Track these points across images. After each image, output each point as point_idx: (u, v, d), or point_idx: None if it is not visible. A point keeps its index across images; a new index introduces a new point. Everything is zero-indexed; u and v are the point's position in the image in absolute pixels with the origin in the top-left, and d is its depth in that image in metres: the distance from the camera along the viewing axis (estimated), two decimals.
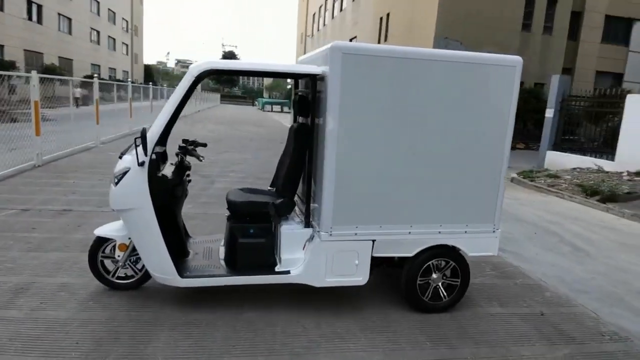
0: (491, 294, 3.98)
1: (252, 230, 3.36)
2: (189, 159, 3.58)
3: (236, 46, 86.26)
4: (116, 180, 3.08)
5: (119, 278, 3.50)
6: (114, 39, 45.81)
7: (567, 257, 5.31)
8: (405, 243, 3.33)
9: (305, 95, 3.45)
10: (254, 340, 2.95)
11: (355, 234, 3.21)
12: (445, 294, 3.52)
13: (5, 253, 4.12)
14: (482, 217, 3.45)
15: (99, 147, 11.17)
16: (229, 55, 67.44)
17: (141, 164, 2.95)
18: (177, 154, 3.54)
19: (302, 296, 3.53)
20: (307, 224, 3.35)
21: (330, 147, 3.03)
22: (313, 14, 46.04)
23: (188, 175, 3.61)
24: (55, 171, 7.96)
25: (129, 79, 15.87)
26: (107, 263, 3.51)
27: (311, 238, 3.31)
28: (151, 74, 58.60)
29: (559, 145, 12.70)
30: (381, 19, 26.17)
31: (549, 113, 12.86)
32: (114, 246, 3.43)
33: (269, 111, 44.84)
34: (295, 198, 3.55)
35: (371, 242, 3.26)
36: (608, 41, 21.56)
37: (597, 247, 5.76)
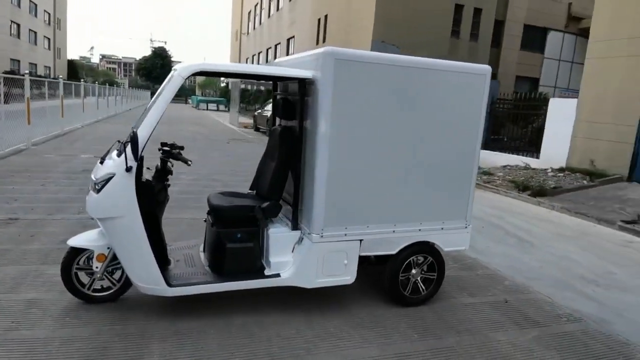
0: (459, 285, 4.26)
1: (240, 235, 3.32)
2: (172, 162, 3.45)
3: (165, 42, 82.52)
4: (98, 187, 2.90)
5: (95, 290, 3.29)
6: (35, 33, 42.18)
7: (515, 248, 5.80)
8: (390, 241, 3.47)
9: (289, 99, 3.48)
10: (252, 346, 2.93)
11: (345, 234, 3.30)
12: (423, 287, 3.72)
13: None
14: (456, 214, 3.69)
15: (31, 149, 10.25)
16: (160, 52, 64.51)
17: (129, 169, 2.81)
18: (161, 158, 3.40)
19: (287, 297, 3.54)
20: (295, 227, 3.38)
21: (322, 151, 3.09)
22: (248, 11, 45.46)
23: (168, 180, 3.48)
24: None
25: (59, 76, 14.65)
26: (81, 275, 3.28)
27: (300, 240, 3.35)
28: (75, 69, 54.44)
29: (489, 144, 13.72)
30: (319, 20, 26.48)
31: None
32: (88, 257, 3.22)
33: (204, 109, 43.54)
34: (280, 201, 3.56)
35: (359, 242, 3.37)
36: (526, 48, 23.55)
37: (538, 238, 6.35)
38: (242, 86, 26.24)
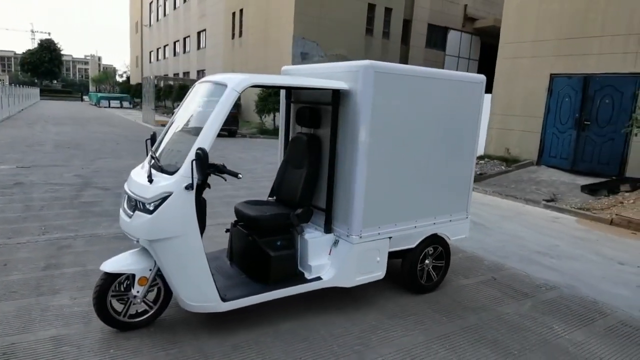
0: (452, 269, 4.72)
1: (280, 242, 3.38)
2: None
3: (49, 33, 73.60)
4: (152, 208, 2.76)
5: (130, 316, 3.12)
6: None
7: (475, 231, 6.46)
8: (412, 236, 3.80)
9: (314, 107, 3.59)
10: (313, 349, 3.05)
11: (378, 233, 3.54)
12: (434, 274, 4.11)
13: None
14: (459, 206, 4.13)
15: None
16: (47, 44, 57.66)
17: (189, 187, 2.73)
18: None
19: (317, 301, 3.65)
20: (329, 230, 3.54)
21: (361, 158, 3.28)
22: (150, 2, 42.69)
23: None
24: None
25: None
26: (113, 302, 3.08)
27: (336, 243, 3.51)
28: None
29: None
30: (234, 14, 25.94)
31: None
32: (120, 282, 3.05)
33: (105, 107, 40.08)
34: None
35: (388, 239, 3.63)
36: (431, 46, 25.57)
37: (488, 220, 7.16)
38: (155, 82, 24.74)
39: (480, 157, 12.05)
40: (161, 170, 2.94)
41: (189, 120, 3.22)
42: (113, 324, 3.05)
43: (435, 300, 3.94)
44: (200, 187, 3.14)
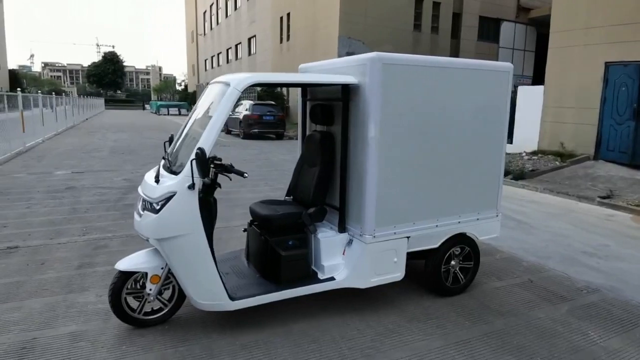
0: (486, 271, 4.46)
1: (291, 242, 3.34)
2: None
3: (113, 46, 79.30)
4: (158, 207, 2.82)
5: (146, 314, 3.21)
6: None
7: (518, 230, 6.10)
8: (433, 236, 3.60)
9: (326, 105, 3.51)
10: (322, 350, 2.97)
11: (394, 233, 3.39)
12: (462, 276, 3.88)
13: None
14: (488, 204, 3.88)
15: None
16: (111, 57, 61.90)
17: (191, 187, 2.76)
18: (213, 172, 3.34)
19: (333, 302, 3.57)
20: (342, 229, 3.44)
21: (371, 155, 3.16)
22: (204, 12, 44.47)
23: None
24: None
25: (18, 89, 13.81)
26: (129, 299, 3.18)
27: (350, 242, 3.41)
28: (18, 80, 51.21)
29: None
30: (281, 18, 26.36)
31: None
32: (136, 280, 3.14)
33: (165, 114, 42.24)
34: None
35: (406, 239, 3.47)
36: (483, 39, 24.52)
37: (534, 219, 6.71)
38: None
39: (533, 153, 11.36)
40: (170, 171, 3.00)
41: (200, 120, 3.25)
42: (128, 321, 3.15)
43: (461, 304, 3.72)
44: (209, 188, 3.18)
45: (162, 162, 3.20)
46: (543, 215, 6.91)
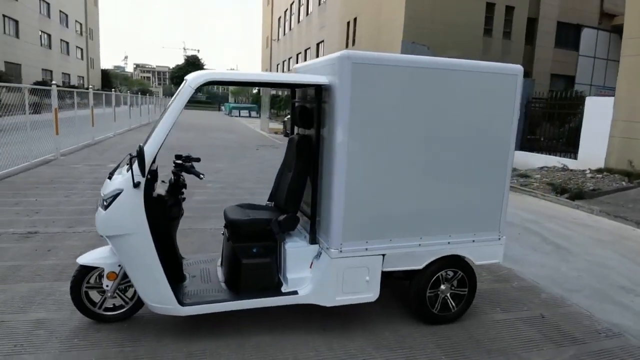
0: (492, 300, 3.97)
1: (256, 249, 3.16)
2: (185, 176, 3.33)
3: (198, 50, 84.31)
4: (106, 204, 2.80)
5: (106, 309, 3.19)
6: (67, 43, 43.52)
7: (552, 256, 5.42)
8: (416, 255, 3.24)
9: (307, 106, 3.30)
10: None
11: (366, 249, 3.09)
12: (453, 304, 3.45)
13: None
14: (488, 225, 3.42)
15: (60, 160, 10.47)
16: (193, 60, 65.86)
17: (136, 185, 2.70)
18: (173, 172, 3.29)
19: (307, 316, 3.35)
20: (313, 240, 3.20)
21: (339, 160, 2.89)
22: (278, 17, 45.76)
23: (182, 194, 3.37)
24: (12, 188, 7.33)
25: (90, 86, 15.06)
26: (92, 294, 3.18)
27: (318, 255, 3.16)
28: (109, 79, 56.23)
29: (525, 145, 13.15)
30: (348, 23, 26.31)
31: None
32: (100, 275, 3.13)
33: (236, 116, 44.03)
34: (298, 213, 3.38)
35: (381, 257, 3.15)
36: (561, 46, 22.63)
37: (576, 244, 5.93)
38: (273, 92, 26.37)
39: (598, 170, 10.17)
40: (127, 168, 2.96)
41: (161, 116, 3.19)
42: (88, 315, 3.15)
43: (447, 335, 3.30)
44: (174, 187, 3.11)
45: (127, 158, 3.17)
46: (589, 241, 6.08)
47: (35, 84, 21.52)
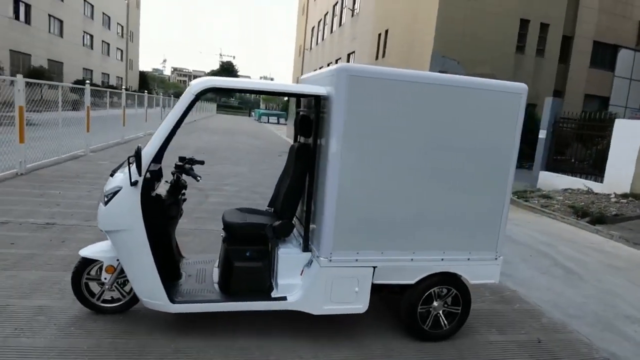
0: (490, 320, 3.90)
1: (249, 253, 3.23)
2: (185, 177, 3.44)
3: (234, 57, 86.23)
4: (106, 200, 2.93)
5: (104, 301, 3.32)
6: (108, 44, 45.36)
7: (561, 280, 5.27)
8: (407, 270, 3.23)
9: (308, 115, 3.36)
10: None
11: (356, 260, 3.11)
12: (445, 322, 3.42)
13: None
14: (484, 244, 3.38)
15: (88, 156, 10.91)
16: (227, 66, 67.35)
17: (134, 184, 2.82)
18: (172, 173, 3.41)
19: (298, 323, 3.39)
20: (306, 248, 3.24)
21: (332, 169, 2.94)
22: (312, 27, 46.32)
23: (183, 194, 3.48)
24: (39, 180, 7.70)
25: (123, 86, 15.64)
26: (92, 285, 3.32)
27: (309, 263, 3.20)
28: (146, 81, 58.05)
29: (551, 165, 12.81)
30: (380, 35, 26.40)
31: (542, 134, 13.01)
32: (100, 267, 3.26)
33: (265, 122, 44.64)
34: (294, 220, 3.44)
35: (372, 269, 3.16)
36: (596, 66, 22.00)
37: (588, 269, 5.75)
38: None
39: (623, 195, 9.81)
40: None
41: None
42: (87, 305, 3.29)
43: (436, 352, 3.27)
44: (174, 187, 3.23)
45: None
46: (602, 267, 5.88)
47: (74, 82, 22.54)
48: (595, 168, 11.73)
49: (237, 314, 3.39)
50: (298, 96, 3.25)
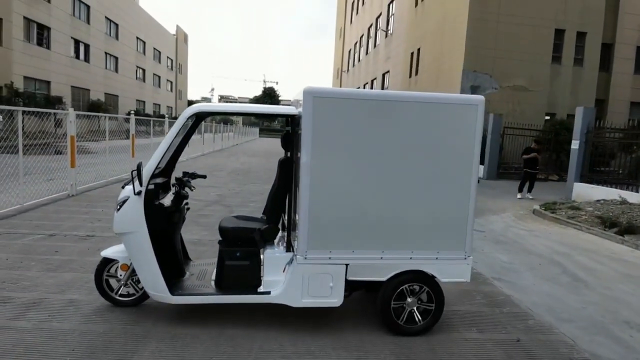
0: (473, 321, 4.08)
1: (239, 253, 3.70)
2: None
3: (277, 82, 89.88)
4: (118, 207, 3.53)
5: (121, 296, 3.90)
6: (159, 77, 48.82)
7: (564, 287, 5.30)
8: (378, 267, 3.56)
9: (289, 132, 3.84)
10: (232, 354, 3.24)
11: (329, 257, 3.49)
12: (420, 318, 3.69)
13: (25, 272, 4.63)
14: (452, 244, 3.64)
15: None
16: (269, 91, 69.95)
17: (138, 193, 3.39)
18: (172, 185, 3.98)
19: (283, 317, 3.79)
20: (289, 248, 3.67)
21: (304, 178, 3.37)
22: (349, 50, 47.45)
23: (186, 204, 4.04)
24: (86, 200, 8.68)
25: (166, 115, 16.98)
26: (112, 282, 3.92)
27: (290, 261, 3.62)
28: None
29: (587, 176, 12.45)
30: (412, 53, 26.75)
31: (575, 145, 12.71)
32: (118, 266, 3.85)
33: None
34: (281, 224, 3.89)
35: (345, 266, 3.52)
36: None
37: (599, 278, 5.71)
38: None
39: None
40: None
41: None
42: (107, 298, 3.89)
43: (409, 346, 3.53)
44: (177, 197, 3.79)
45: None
46: (616, 276, 5.81)
47: (127, 113, 24.52)
48: (631, 177, 11.32)
49: (233, 309, 3.86)
50: (275, 116, 3.74)
